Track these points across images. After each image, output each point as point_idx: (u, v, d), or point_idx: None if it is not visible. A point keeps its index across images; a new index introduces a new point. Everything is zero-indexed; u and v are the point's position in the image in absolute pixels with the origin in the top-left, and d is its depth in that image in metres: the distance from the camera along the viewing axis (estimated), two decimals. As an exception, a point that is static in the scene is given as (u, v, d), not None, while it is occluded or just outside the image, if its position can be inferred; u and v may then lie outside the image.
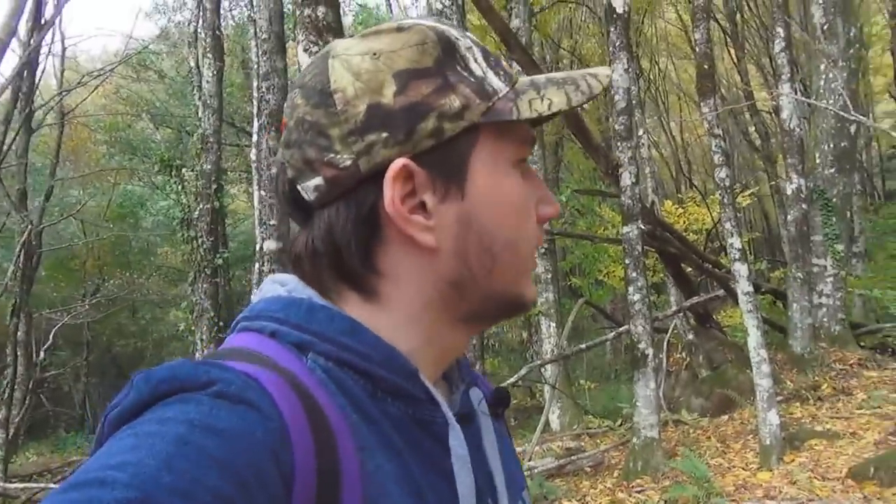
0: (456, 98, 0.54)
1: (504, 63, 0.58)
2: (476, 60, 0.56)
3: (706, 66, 6.39)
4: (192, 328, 11.17)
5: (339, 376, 0.51)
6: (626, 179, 6.03)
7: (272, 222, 6.51)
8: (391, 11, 17.28)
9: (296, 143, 0.55)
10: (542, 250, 9.79)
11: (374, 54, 0.54)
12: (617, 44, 6.27)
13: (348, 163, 0.53)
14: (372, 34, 0.56)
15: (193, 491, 0.37)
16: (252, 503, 0.40)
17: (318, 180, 0.54)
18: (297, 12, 4.05)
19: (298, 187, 0.55)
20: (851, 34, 8.64)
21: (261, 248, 6.62)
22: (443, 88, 0.54)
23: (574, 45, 16.45)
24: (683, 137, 22.02)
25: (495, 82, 0.56)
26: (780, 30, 8.25)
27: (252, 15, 9.90)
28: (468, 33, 0.59)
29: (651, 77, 18.74)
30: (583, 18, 16.83)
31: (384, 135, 0.53)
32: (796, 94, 8.31)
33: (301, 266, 0.57)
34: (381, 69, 0.54)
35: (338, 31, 4.17)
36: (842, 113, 6.83)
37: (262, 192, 6.73)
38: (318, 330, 0.52)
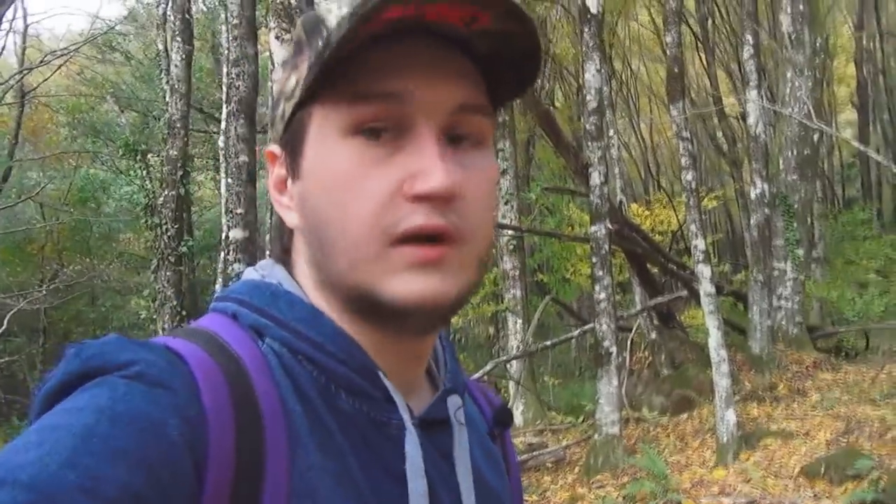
0: (294, 75, 0.52)
1: None
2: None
3: (676, 70, 6.48)
4: (154, 317, 10.96)
5: (291, 365, 0.49)
6: (596, 179, 6.09)
7: (239, 211, 6.39)
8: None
9: None
10: (511, 247, 9.80)
11: None
12: (590, 44, 6.31)
13: None
14: None
15: (99, 487, 0.36)
16: (163, 494, 0.38)
17: None
18: (269, -2, 3.98)
19: None
20: (817, 44, 8.85)
21: (226, 236, 6.49)
22: (290, 71, 0.54)
23: (548, 44, 16.52)
24: (653, 139, 22.33)
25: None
26: (749, 37, 8.41)
27: (223, -1, 9.70)
28: None
29: (623, 78, 18.94)
30: (557, 17, 16.91)
31: (273, 128, 0.57)
32: (763, 100, 8.47)
33: (287, 254, 0.58)
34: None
35: (310, 19, 4.11)
36: (805, 121, 6.99)
37: (229, 180, 6.59)
38: (276, 315, 0.51)
